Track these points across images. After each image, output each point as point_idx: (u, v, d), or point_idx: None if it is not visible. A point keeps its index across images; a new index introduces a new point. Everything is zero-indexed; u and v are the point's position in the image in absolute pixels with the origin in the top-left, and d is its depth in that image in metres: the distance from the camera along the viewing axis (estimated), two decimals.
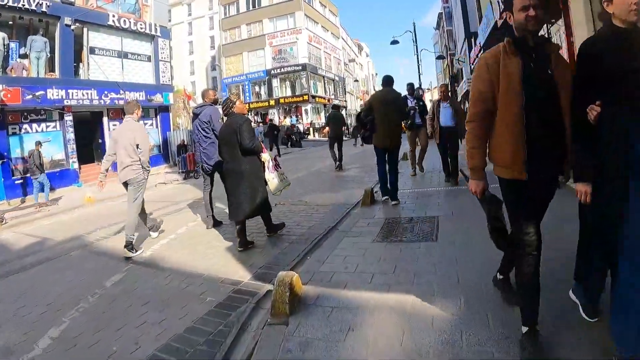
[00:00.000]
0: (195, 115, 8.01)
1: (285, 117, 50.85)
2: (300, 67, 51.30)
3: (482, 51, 21.58)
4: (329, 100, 56.66)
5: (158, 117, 26.20)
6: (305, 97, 50.73)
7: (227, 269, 5.66)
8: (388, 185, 8.36)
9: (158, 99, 25.47)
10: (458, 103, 9.56)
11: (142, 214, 7.46)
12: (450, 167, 9.85)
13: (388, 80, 8.51)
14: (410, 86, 11.76)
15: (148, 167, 7.14)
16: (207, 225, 8.20)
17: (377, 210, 7.81)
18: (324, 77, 57.49)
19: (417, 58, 28.86)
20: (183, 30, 65.97)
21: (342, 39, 72.73)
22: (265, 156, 6.59)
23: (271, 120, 24.88)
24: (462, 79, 34.75)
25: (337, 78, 62.96)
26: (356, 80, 75.63)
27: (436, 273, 4.44)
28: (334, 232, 6.71)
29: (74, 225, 10.27)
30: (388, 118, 7.98)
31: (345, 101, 66.34)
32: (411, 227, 6.32)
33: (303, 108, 51.15)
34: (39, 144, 15.81)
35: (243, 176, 6.22)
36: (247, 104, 53.51)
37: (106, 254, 7.12)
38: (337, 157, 15.67)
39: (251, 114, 52.93)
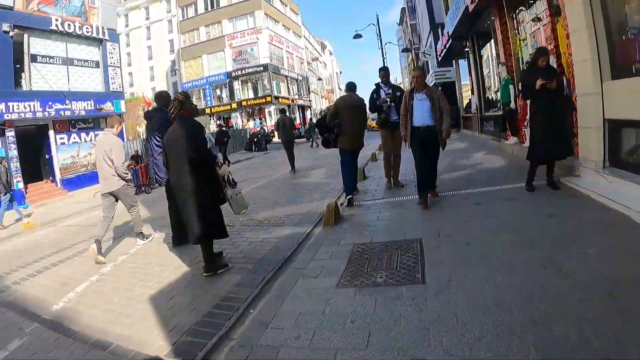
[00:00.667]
0: (148, 120, 7.32)
1: (248, 120, 49.45)
2: (261, 68, 49.88)
3: (450, 41, 20.51)
4: (292, 101, 55.59)
5: None
6: (268, 99, 49.18)
7: (142, 334, 4.12)
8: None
9: (108, 107, 23.56)
10: (439, 93, 7.50)
11: (104, 224, 7.40)
12: (432, 179, 7.60)
13: (351, 87, 8.82)
14: (385, 71, 9.45)
15: (124, 175, 7.35)
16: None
17: (343, 232, 6.29)
18: (286, 77, 56.14)
19: (382, 51, 27.52)
20: (141, 35, 63.70)
21: (305, 37, 71.54)
22: (224, 170, 5.63)
23: (220, 125, 23.28)
24: (429, 72, 33.71)
25: (300, 77, 61.52)
26: (319, 79, 74.19)
27: (431, 347, 2.93)
28: (287, 267, 5.24)
29: (3, 260, 8.63)
30: (354, 121, 8.30)
31: (310, 101, 64.96)
32: (388, 259, 4.79)
33: (266, 110, 49.60)
34: (3, 159, 14.12)
35: (191, 193, 5.22)
36: (209, 108, 52.12)
37: (17, 306, 5.56)
38: (290, 159, 15.92)
39: (213, 118, 51.42)
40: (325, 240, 6.01)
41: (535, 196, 6.61)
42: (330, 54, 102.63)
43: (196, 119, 5.57)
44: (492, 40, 15.90)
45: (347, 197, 8.16)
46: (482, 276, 3.89)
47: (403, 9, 59.46)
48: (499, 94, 15.03)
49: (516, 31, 12.58)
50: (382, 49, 27.64)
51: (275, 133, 44.41)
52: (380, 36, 27.55)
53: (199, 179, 5.21)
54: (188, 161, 5.13)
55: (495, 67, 15.96)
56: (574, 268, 3.83)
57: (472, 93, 20.17)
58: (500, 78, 13.35)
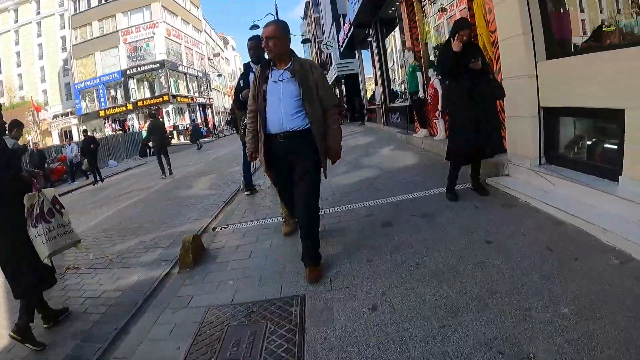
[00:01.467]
0: None
1: (145, 122, 46.38)
2: (158, 65, 46.84)
3: (352, 29, 19.26)
4: (192, 99, 53.05)
5: None
6: (166, 98, 46.40)
7: None
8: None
9: None
10: (318, 73, 3.94)
11: None
12: (305, 238, 3.95)
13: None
14: (254, 42, 6.07)
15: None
16: None
17: (200, 280, 4.36)
18: (185, 74, 53.31)
19: None
20: (32, 32, 55.97)
21: (206, 32, 68.88)
22: (30, 199, 3.85)
23: (85, 131, 20.58)
24: (332, 64, 32.55)
25: (200, 74, 58.63)
26: (219, 75, 70.82)
27: None
28: (111, 354, 3.34)
29: None
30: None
31: (211, 98, 62.18)
32: (249, 342, 2.92)
33: (164, 109, 46.60)
34: None
35: None
36: (103, 110, 48.56)
37: None
38: (165, 164, 15.46)
39: (108, 122, 47.99)
40: (173, 297, 4.07)
41: (460, 208, 5.04)
42: (233, 49, 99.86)
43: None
44: (397, 28, 14.86)
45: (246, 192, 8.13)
46: None
47: (307, 3, 58.51)
48: (404, 85, 13.83)
49: (424, 14, 11.22)
50: None
51: (174, 133, 42.09)
52: None
53: (5, 211, 3.70)
54: None
55: (400, 57, 14.83)
56: (545, 349, 2.32)
57: (376, 84, 18.92)
58: (406, 65, 11.95)
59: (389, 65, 17.57)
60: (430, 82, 9.63)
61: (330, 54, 34.65)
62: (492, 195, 5.29)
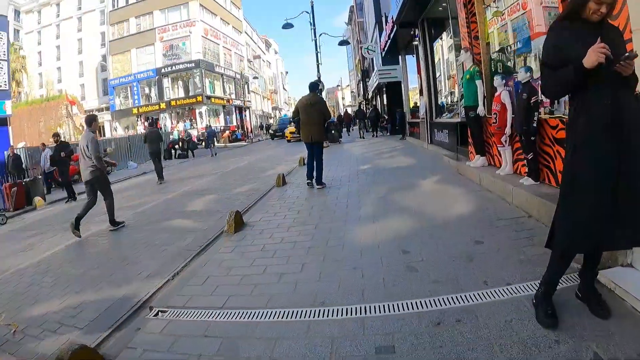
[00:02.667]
0: None
1: (178, 122, 45.00)
2: (193, 64, 45.60)
3: (395, 28, 16.79)
4: (228, 101, 51.42)
5: None
6: (200, 99, 45.03)
7: None
8: (314, 173, 9.51)
9: None
10: None
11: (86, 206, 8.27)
12: None
13: (311, 87, 9.65)
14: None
15: (100, 165, 8.21)
16: None
17: None
18: (222, 75, 52.16)
19: (316, 43, 23.68)
20: (72, 27, 56.75)
21: (247, 33, 67.61)
22: None
23: (56, 135, 17.60)
24: (373, 71, 30.26)
25: (238, 76, 56.78)
26: (255, 78, 68.65)
27: None
28: None
29: None
30: (309, 118, 9.32)
31: (249, 101, 60.64)
32: None
33: (197, 110, 45.23)
34: None
35: None
36: (137, 108, 47.62)
37: None
38: (159, 170, 15.92)
39: (141, 119, 46.86)
40: None
41: (567, 357, 2.41)
42: (276, 52, 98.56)
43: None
44: (445, 33, 12.91)
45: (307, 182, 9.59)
46: None
47: (352, 7, 57.43)
48: (454, 96, 11.38)
49: (485, 6, 8.57)
50: (316, 40, 23.94)
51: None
52: (314, 25, 23.67)
53: None
54: None
55: (448, 67, 12.41)
56: None
57: (421, 94, 16.33)
58: (460, 72, 9.32)
59: (436, 75, 14.99)
60: (496, 94, 6.91)
61: (372, 59, 32.33)
62: (616, 317, 2.71)
